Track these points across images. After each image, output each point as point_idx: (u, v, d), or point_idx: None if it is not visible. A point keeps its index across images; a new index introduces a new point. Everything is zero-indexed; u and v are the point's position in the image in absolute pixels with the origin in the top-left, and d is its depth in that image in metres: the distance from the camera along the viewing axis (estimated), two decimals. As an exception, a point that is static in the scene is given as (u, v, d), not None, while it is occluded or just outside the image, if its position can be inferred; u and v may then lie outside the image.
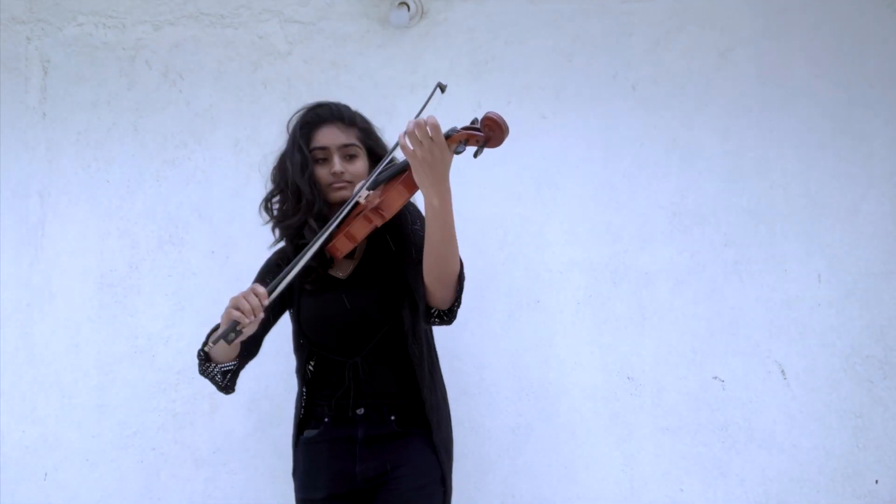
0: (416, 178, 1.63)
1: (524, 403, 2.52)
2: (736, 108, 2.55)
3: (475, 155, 1.67)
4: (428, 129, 1.58)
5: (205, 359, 1.83)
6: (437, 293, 1.77)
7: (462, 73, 2.62)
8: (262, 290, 1.63)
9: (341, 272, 1.92)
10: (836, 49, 2.54)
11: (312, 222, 1.82)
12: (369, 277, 1.90)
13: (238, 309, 1.60)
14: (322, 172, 1.87)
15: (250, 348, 1.90)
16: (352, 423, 1.86)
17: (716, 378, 2.49)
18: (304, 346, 1.92)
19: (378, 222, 1.76)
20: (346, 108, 1.94)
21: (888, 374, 2.45)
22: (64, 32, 2.72)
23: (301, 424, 1.95)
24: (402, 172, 1.75)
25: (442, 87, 1.70)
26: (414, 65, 2.63)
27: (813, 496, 2.43)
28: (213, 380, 1.86)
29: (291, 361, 2.58)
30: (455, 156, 1.65)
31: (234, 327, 1.63)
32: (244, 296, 1.61)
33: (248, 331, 1.64)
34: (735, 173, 2.54)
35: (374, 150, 1.94)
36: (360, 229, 1.78)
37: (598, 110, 2.58)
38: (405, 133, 1.61)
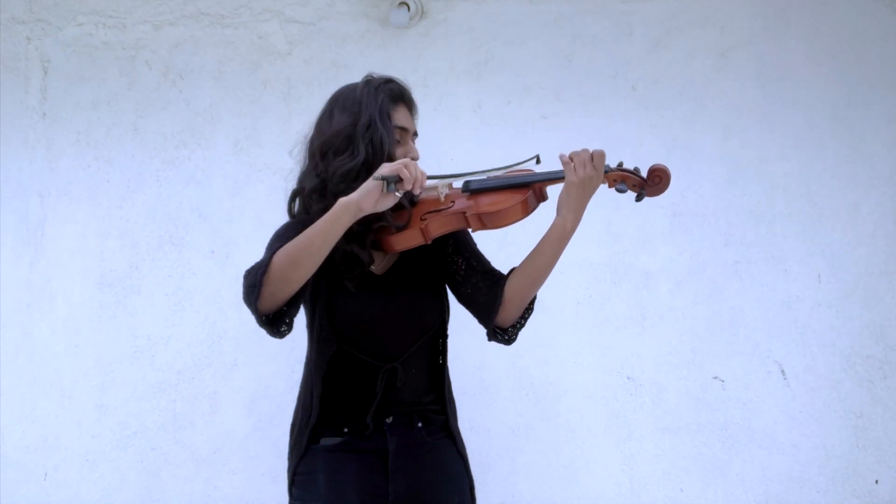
0: (565, 197, 1.63)
1: (524, 403, 2.52)
2: (736, 108, 2.55)
3: (637, 199, 1.70)
4: (594, 155, 1.62)
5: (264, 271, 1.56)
6: (510, 310, 1.73)
7: (462, 73, 2.62)
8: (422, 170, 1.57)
9: (376, 267, 1.75)
10: (836, 49, 2.54)
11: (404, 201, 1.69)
12: (411, 277, 1.77)
13: (406, 168, 1.52)
14: (397, 152, 1.71)
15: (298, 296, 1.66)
16: (379, 433, 1.71)
17: (716, 378, 2.49)
18: (331, 344, 1.72)
19: (474, 228, 1.69)
20: None
21: (888, 374, 2.45)
22: (64, 32, 2.72)
23: (314, 430, 1.74)
24: (518, 189, 1.68)
25: (538, 159, 1.72)
26: (414, 65, 2.63)
27: (813, 496, 2.43)
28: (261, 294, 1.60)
29: (292, 362, 2.58)
30: (619, 194, 1.68)
31: (397, 179, 1.52)
32: (410, 164, 1.55)
33: (389, 202, 1.54)
34: (735, 173, 2.54)
35: None
36: (442, 227, 1.68)
37: (598, 110, 2.58)
38: (572, 153, 1.63)
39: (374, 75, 1.79)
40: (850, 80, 2.53)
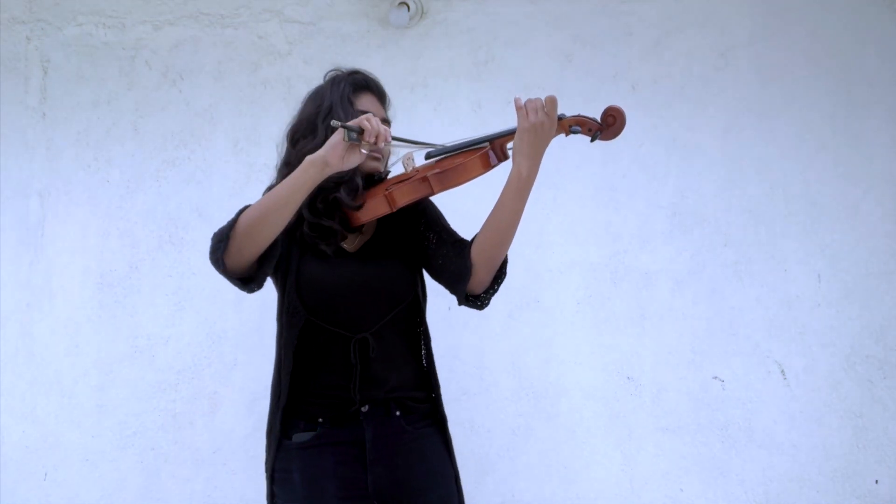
0: (518, 143, 1.64)
1: (524, 403, 2.52)
2: (736, 108, 2.55)
3: (591, 140, 1.72)
4: (546, 102, 1.64)
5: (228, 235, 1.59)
6: (481, 274, 1.71)
7: (462, 73, 2.62)
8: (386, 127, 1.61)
9: (348, 245, 1.78)
10: (836, 49, 2.54)
11: (359, 181, 1.73)
12: (384, 251, 1.79)
13: (368, 121, 1.55)
14: None
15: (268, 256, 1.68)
16: (355, 423, 1.69)
17: (716, 378, 2.49)
18: (300, 317, 1.70)
19: (436, 190, 1.69)
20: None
21: (888, 374, 2.45)
22: (64, 32, 2.72)
23: (284, 423, 1.71)
24: (474, 149, 1.72)
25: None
26: (414, 65, 2.63)
27: (813, 496, 2.43)
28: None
29: (291, 361, 2.58)
30: (572, 134, 1.71)
31: (358, 130, 1.55)
32: (371, 117, 1.58)
33: (355, 159, 1.58)
34: (735, 173, 2.54)
35: None
36: (407, 195, 1.69)
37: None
38: (527, 100, 1.66)
39: (342, 69, 1.86)
40: (850, 80, 2.53)
